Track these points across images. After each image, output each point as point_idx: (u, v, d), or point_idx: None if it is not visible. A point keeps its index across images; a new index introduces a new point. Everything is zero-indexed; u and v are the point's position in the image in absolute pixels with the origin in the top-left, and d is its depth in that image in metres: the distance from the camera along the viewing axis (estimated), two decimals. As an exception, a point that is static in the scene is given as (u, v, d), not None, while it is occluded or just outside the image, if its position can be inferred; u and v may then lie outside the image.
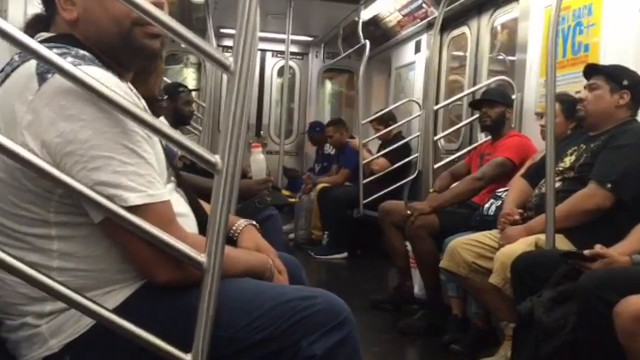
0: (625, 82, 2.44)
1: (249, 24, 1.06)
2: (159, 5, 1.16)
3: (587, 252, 2.00)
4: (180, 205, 1.29)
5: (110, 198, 1.02)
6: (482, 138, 4.19)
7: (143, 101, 1.28)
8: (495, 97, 3.58)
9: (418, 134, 5.29)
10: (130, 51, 1.20)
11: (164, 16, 1.02)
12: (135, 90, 1.27)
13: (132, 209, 1.04)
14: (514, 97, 3.74)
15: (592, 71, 2.54)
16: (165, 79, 3.83)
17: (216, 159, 1.07)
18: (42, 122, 1.04)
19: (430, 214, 3.26)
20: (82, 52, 1.11)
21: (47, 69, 1.05)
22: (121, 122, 1.05)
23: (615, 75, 2.46)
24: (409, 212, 3.30)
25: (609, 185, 2.29)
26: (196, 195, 1.44)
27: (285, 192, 4.24)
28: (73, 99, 1.03)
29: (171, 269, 1.11)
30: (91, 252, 1.12)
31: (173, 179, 1.32)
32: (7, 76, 1.11)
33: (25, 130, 1.04)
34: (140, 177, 1.06)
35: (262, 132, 7.49)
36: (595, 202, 2.33)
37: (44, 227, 1.11)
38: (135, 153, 1.06)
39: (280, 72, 7.44)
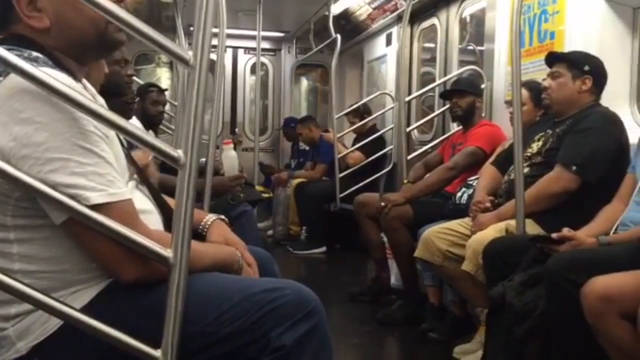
0: (586, 68, 2.48)
1: (207, 16, 1.07)
2: (121, 1, 1.17)
3: (554, 235, 2.03)
4: (142, 202, 1.28)
5: (71, 198, 1.02)
6: (454, 128, 4.22)
7: (100, 99, 1.28)
8: (464, 86, 3.62)
9: (392, 126, 5.32)
10: (104, 47, 1.22)
11: (123, 13, 1.02)
12: (92, 90, 1.26)
13: (94, 208, 1.03)
14: (483, 86, 3.78)
15: (553, 59, 2.58)
16: (137, 79, 3.79)
17: (178, 153, 1.07)
18: None
19: (403, 204, 3.29)
20: (34, 53, 1.10)
21: None
22: (77, 123, 1.04)
23: (576, 62, 2.50)
24: (382, 204, 3.32)
25: (574, 168, 2.33)
26: (168, 195, 1.43)
27: (259, 188, 4.23)
28: (27, 100, 1.02)
29: (137, 266, 1.10)
30: (52, 253, 1.11)
31: (135, 176, 1.31)
32: None
33: None
34: (99, 177, 1.06)
35: (236, 129, 7.46)
36: (561, 185, 2.37)
37: (1, 231, 1.10)
38: (92, 153, 1.05)
39: (253, 69, 7.39)
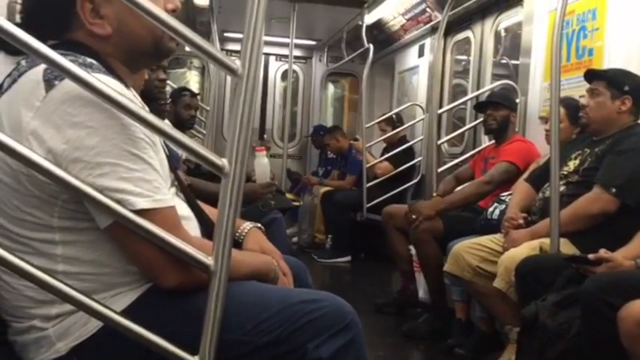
0: (626, 88, 2.44)
1: (257, 27, 1.07)
2: (175, 11, 1.20)
3: (591, 256, 2.00)
4: (182, 208, 1.29)
5: (118, 203, 1.03)
6: (486, 142, 4.19)
7: (146, 107, 1.30)
8: (500, 99, 3.58)
9: (421, 137, 5.30)
10: (157, 54, 1.26)
11: (176, 23, 1.04)
12: (139, 98, 1.28)
13: (139, 213, 1.04)
14: (517, 100, 3.74)
15: (592, 76, 2.54)
16: (170, 83, 3.84)
17: (223, 162, 1.07)
18: (48, 129, 1.04)
19: (433, 217, 3.27)
20: (89, 59, 1.12)
21: (54, 75, 1.05)
22: (127, 129, 1.05)
23: (615, 81, 2.46)
24: (413, 216, 3.30)
25: (614, 190, 2.30)
26: (198, 199, 1.45)
27: (289, 195, 4.24)
28: (80, 105, 1.03)
29: (178, 273, 1.11)
30: (96, 256, 1.12)
31: (176, 183, 1.32)
32: (14, 81, 1.12)
33: (31, 136, 1.04)
34: (146, 183, 1.07)
35: (265, 136, 7.51)
36: (599, 207, 2.33)
37: (47, 232, 1.11)
38: (141, 159, 1.07)
39: (284, 76, 7.45)
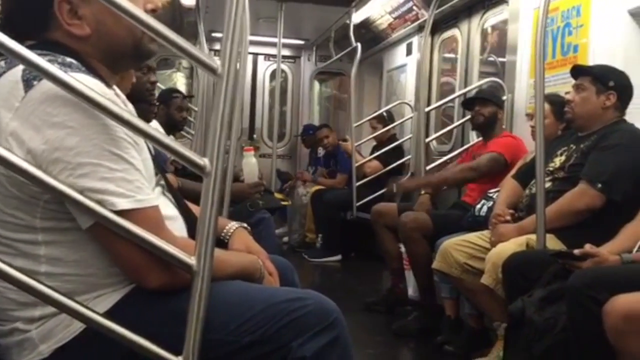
0: (611, 83, 2.45)
1: (236, 26, 1.07)
2: (156, 11, 1.19)
3: (576, 251, 2.01)
4: (168, 208, 1.29)
5: (99, 203, 1.03)
6: (474, 138, 4.21)
7: (130, 105, 1.29)
8: (487, 95, 3.61)
9: (410, 135, 5.31)
10: (138, 56, 1.25)
11: (155, 23, 1.03)
12: (123, 96, 1.27)
13: (121, 214, 1.04)
14: (504, 98, 3.76)
15: (578, 72, 2.56)
16: (160, 85, 3.82)
17: (204, 161, 1.07)
18: (27, 129, 1.03)
19: (413, 190, 3.27)
20: (68, 59, 1.11)
21: (33, 75, 1.05)
22: (108, 129, 1.05)
23: (601, 76, 2.47)
24: (393, 189, 3.32)
25: (599, 185, 2.31)
26: (185, 199, 1.44)
27: (278, 195, 4.24)
28: (59, 105, 1.03)
29: (161, 273, 1.11)
30: (79, 256, 1.12)
31: (162, 182, 1.32)
32: None
33: (10, 136, 1.04)
34: (128, 183, 1.07)
35: (254, 136, 7.49)
36: (585, 202, 2.34)
37: (30, 233, 1.10)
38: (122, 159, 1.06)
39: (272, 76, 7.44)
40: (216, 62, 1.08)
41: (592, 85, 2.47)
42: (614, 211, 2.29)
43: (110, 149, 1.05)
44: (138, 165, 1.10)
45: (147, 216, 1.09)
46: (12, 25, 1.13)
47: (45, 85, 1.03)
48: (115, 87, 1.28)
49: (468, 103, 3.72)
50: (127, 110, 1.13)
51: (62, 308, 1.05)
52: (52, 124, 1.03)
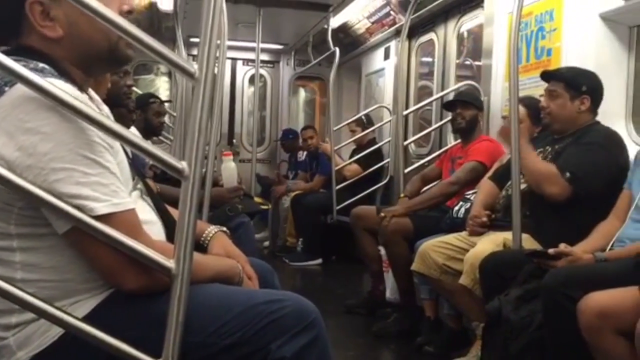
0: (584, 88, 2.48)
1: (213, 31, 1.08)
2: (132, 12, 1.19)
3: (551, 251, 2.05)
4: (145, 212, 1.29)
5: (76, 208, 1.03)
6: (451, 141, 4.25)
7: (105, 108, 1.29)
8: (469, 98, 3.62)
9: (389, 139, 5.34)
10: (113, 61, 1.23)
11: (130, 27, 1.03)
12: (97, 100, 1.27)
13: (98, 218, 1.04)
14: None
15: (549, 77, 2.58)
16: (136, 89, 3.80)
17: (182, 165, 1.08)
18: (0, 136, 1.03)
19: (402, 215, 3.30)
20: (40, 64, 1.11)
21: (4, 81, 1.04)
22: (81, 133, 1.04)
23: (573, 82, 2.50)
24: (382, 215, 3.33)
25: (567, 174, 2.33)
26: (164, 203, 1.44)
27: (258, 199, 4.24)
28: (32, 110, 1.02)
29: (139, 276, 1.11)
30: (55, 262, 1.12)
31: (139, 186, 1.32)
32: None
33: None
34: (103, 187, 1.06)
35: (234, 141, 7.48)
36: (551, 189, 2.36)
37: (4, 239, 1.10)
38: (97, 163, 1.06)
39: (252, 80, 7.43)
40: (194, 66, 1.09)
41: (565, 91, 2.49)
42: (587, 210, 2.33)
43: (85, 153, 1.05)
44: (113, 169, 1.10)
45: (124, 220, 1.08)
46: None
47: (17, 91, 1.03)
48: (90, 90, 1.28)
49: (449, 105, 3.74)
50: (103, 113, 1.14)
51: (41, 313, 1.05)
52: (25, 129, 1.02)
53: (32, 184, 1.02)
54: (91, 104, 1.15)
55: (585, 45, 2.99)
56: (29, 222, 1.09)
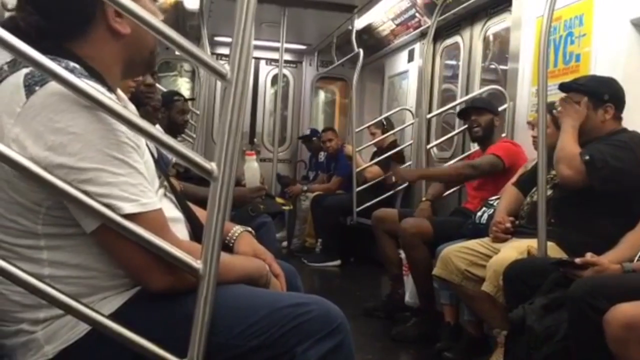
0: (606, 97, 2.44)
1: (245, 32, 1.08)
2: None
3: (578, 260, 2.02)
4: (170, 210, 1.29)
5: (104, 206, 1.03)
6: (475, 146, 4.21)
7: (132, 107, 1.30)
8: (483, 104, 3.61)
9: (411, 142, 5.32)
10: (148, 64, 1.31)
11: (166, 28, 1.04)
12: (125, 99, 1.28)
13: (126, 218, 1.04)
14: (505, 105, 3.77)
15: (569, 89, 2.53)
16: (160, 86, 3.83)
17: (212, 166, 1.08)
18: (29, 135, 1.03)
19: (414, 181, 3.30)
20: (72, 63, 1.12)
21: (34, 80, 1.05)
22: (110, 134, 1.05)
23: (595, 92, 2.45)
24: (393, 178, 3.37)
25: (587, 157, 2.29)
26: (188, 202, 1.45)
27: (279, 200, 4.25)
28: (61, 111, 1.03)
29: (166, 276, 1.11)
30: (82, 259, 1.12)
31: (165, 184, 1.32)
32: None
33: (13, 143, 1.04)
34: (132, 187, 1.07)
35: (255, 140, 7.50)
36: (565, 171, 2.33)
37: (32, 239, 1.11)
38: (125, 163, 1.07)
39: (274, 80, 7.45)
40: (226, 67, 1.08)
41: (589, 102, 2.45)
42: (615, 220, 2.29)
43: (113, 153, 1.05)
44: (141, 169, 1.10)
45: (152, 219, 1.09)
46: (54, 17, 1.15)
47: (48, 90, 1.04)
48: (119, 91, 1.29)
49: (463, 113, 3.72)
50: (132, 112, 1.14)
51: (68, 309, 1.05)
52: (55, 129, 1.03)
53: (64, 181, 1.02)
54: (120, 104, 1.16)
55: (615, 51, 2.95)
56: (56, 222, 1.10)
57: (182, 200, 1.40)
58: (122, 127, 1.06)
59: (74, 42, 1.18)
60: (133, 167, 1.08)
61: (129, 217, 1.05)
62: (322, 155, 6.38)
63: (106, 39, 1.19)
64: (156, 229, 1.09)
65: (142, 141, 1.14)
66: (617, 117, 2.49)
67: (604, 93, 2.45)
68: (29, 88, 1.05)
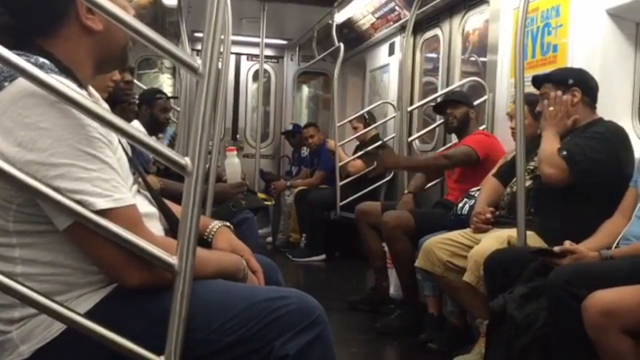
0: (571, 81, 2.48)
1: (217, 25, 1.07)
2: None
3: (556, 248, 2.04)
4: (144, 205, 1.29)
5: (77, 203, 1.02)
6: (456, 138, 4.23)
7: (105, 104, 1.29)
8: (457, 97, 3.67)
9: (393, 135, 5.33)
10: (120, 60, 1.31)
11: (137, 23, 1.03)
12: (96, 96, 1.27)
13: (99, 213, 1.03)
14: (484, 97, 3.80)
15: (539, 81, 2.59)
16: (140, 84, 3.80)
17: (186, 160, 1.07)
18: None
19: (390, 167, 3.36)
20: (41, 59, 1.11)
21: (3, 76, 1.04)
22: (81, 129, 1.04)
23: (559, 78, 2.51)
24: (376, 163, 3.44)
25: (564, 153, 2.32)
26: (169, 199, 1.44)
27: (261, 195, 4.23)
28: (31, 106, 1.02)
29: (141, 272, 1.11)
30: (54, 257, 1.11)
31: (139, 180, 1.32)
32: None
33: None
34: (104, 182, 1.06)
35: (238, 136, 7.48)
36: (548, 170, 2.34)
37: (3, 236, 1.10)
38: (97, 158, 1.06)
39: (255, 76, 7.43)
40: (197, 61, 1.08)
41: (554, 89, 2.48)
42: (592, 208, 2.31)
43: (85, 149, 1.04)
44: (113, 164, 1.10)
45: (125, 215, 1.08)
46: (24, 17, 1.14)
47: (17, 87, 1.03)
48: (90, 87, 1.28)
49: (439, 107, 3.77)
50: (104, 108, 1.13)
51: (42, 309, 1.04)
52: (25, 125, 1.02)
53: (34, 178, 1.01)
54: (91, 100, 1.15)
55: (591, 41, 2.97)
56: (28, 219, 1.09)
57: (157, 196, 1.39)
58: (94, 123, 1.04)
59: (46, 39, 1.17)
60: (105, 163, 1.07)
61: (102, 212, 1.04)
62: (304, 150, 6.37)
63: (78, 35, 1.18)
64: (130, 224, 1.08)
65: (114, 137, 1.13)
66: (590, 105, 2.51)
67: (568, 78, 2.50)
68: None
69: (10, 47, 1.04)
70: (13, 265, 1.10)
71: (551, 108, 2.45)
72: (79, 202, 1.02)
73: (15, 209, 1.08)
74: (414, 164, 3.58)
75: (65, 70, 1.14)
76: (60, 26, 1.17)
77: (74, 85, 1.09)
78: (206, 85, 1.07)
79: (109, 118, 1.02)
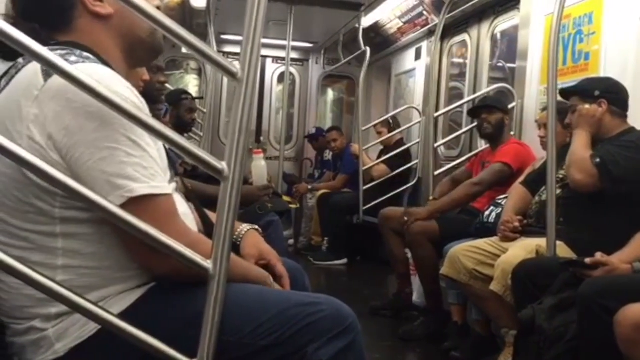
0: (597, 93, 2.44)
1: (256, 31, 1.07)
2: (159, 8, 1.20)
3: (587, 260, 2.01)
4: (180, 204, 1.29)
5: (118, 188, 1.04)
6: (482, 144, 4.20)
7: (143, 100, 1.30)
8: (494, 102, 3.62)
9: (418, 140, 5.30)
10: (151, 48, 1.29)
11: (174, 25, 1.03)
12: (136, 91, 1.28)
13: (137, 200, 1.05)
14: (513, 104, 3.76)
15: (566, 94, 2.56)
16: (168, 85, 3.83)
17: (222, 165, 1.07)
18: (47, 116, 1.05)
19: (427, 219, 3.29)
20: (85, 53, 1.13)
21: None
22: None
23: (585, 90, 2.47)
24: (405, 218, 3.33)
25: (597, 160, 2.28)
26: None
27: (286, 198, 4.24)
28: (79, 92, 1.03)
29: (171, 259, 1.10)
30: (95, 249, 1.13)
31: (176, 179, 1.32)
32: (12, 78, 1.13)
33: (32, 124, 1.06)
34: (143, 169, 1.08)
35: (262, 138, 7.50)
36: (577, 176, 2.31)
37: (48, 224, 1.11)
38: (138, 146, 1.08)
39: (281, 78, 7.45)
40: (235, 66, 1.08)
41: (581, 102, 2.46)
42: (625, 219, 2.27)
43: (128, 134, 1.06)
44: (153, 153, 1.11)
45: (161, 204, 1.10)
46: (35, 14, 1.16)
47: None
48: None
49: (474, 111, 3.72)
50: (144, 109, 1.14)
51: (75, 308, 1.05)
52: (72, 109, 1.05)
53: (77, 163, 1.04)
54: (135, 94, 1.15)
55: (625, 49, 2.92)
56: (73, 206, 1.10)
57: (193, 198, 1.40)
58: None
59: (65, 35, 1.20)
60: (145, 151, 1.09)
61: (140, 198, 1.06)
62: (327, 154, 6.37)
63: (92, 23, 1.20)
64: (166, 214, 1.09)
65: None
66: (619, 115, 2.47)
67: (595, 89, 2.46)
68: (47, 72, 1.07)
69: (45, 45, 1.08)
70: (54, 257, 1.11)
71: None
72: (120, 186, 1.04)
73: (62, 194, 1.09)
74: (453, 204, 3.47)
75: (107, 65, 1.16)
76: (72, 19, 1.20)
77: (119, 77, 1.11)
78: (244, 91, 1.07)
79: (150, 123, 1.02)
